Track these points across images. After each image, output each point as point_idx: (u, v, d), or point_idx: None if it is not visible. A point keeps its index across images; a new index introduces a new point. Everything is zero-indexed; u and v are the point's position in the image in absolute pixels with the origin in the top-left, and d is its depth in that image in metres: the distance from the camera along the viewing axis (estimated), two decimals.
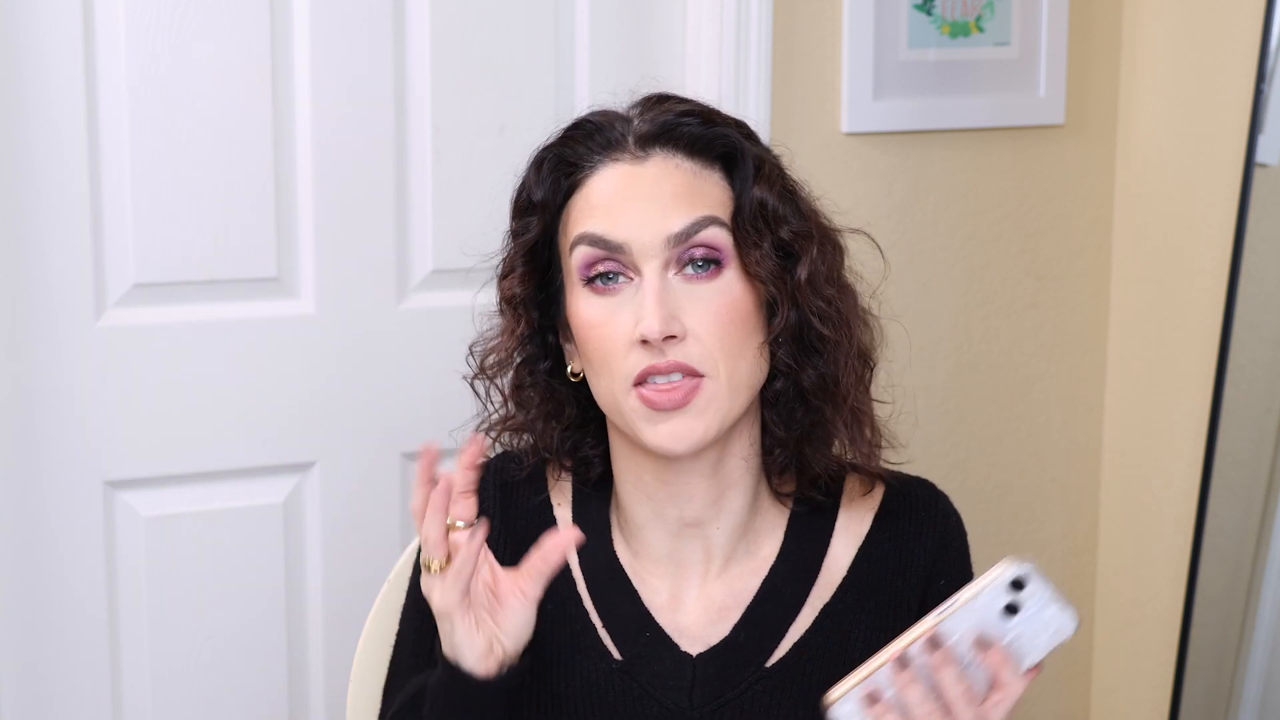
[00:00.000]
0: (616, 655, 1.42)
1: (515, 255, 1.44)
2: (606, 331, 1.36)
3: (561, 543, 1.31)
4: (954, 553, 1.47)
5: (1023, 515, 2.41)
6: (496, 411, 1.49)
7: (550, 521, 1.47)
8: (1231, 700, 2.24)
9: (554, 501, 1.48)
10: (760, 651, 1.42)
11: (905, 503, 1.47)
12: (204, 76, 1.92)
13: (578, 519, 1.47)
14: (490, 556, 1.35)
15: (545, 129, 2.08)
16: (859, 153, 2.20)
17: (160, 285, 1.94)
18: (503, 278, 1.45)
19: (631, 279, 1.36)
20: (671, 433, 1.35)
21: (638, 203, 1.36)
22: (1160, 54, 2.31)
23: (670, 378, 1.34)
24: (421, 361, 2.05)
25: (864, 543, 1.45)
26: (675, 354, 1.34)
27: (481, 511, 1.46)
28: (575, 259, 1.38)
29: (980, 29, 2.25)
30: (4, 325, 1.87)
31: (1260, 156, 2.15)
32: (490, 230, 2.08)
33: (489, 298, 1.49)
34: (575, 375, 1.44)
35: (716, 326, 1.35)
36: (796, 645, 1.42)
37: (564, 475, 1.49)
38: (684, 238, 1.35)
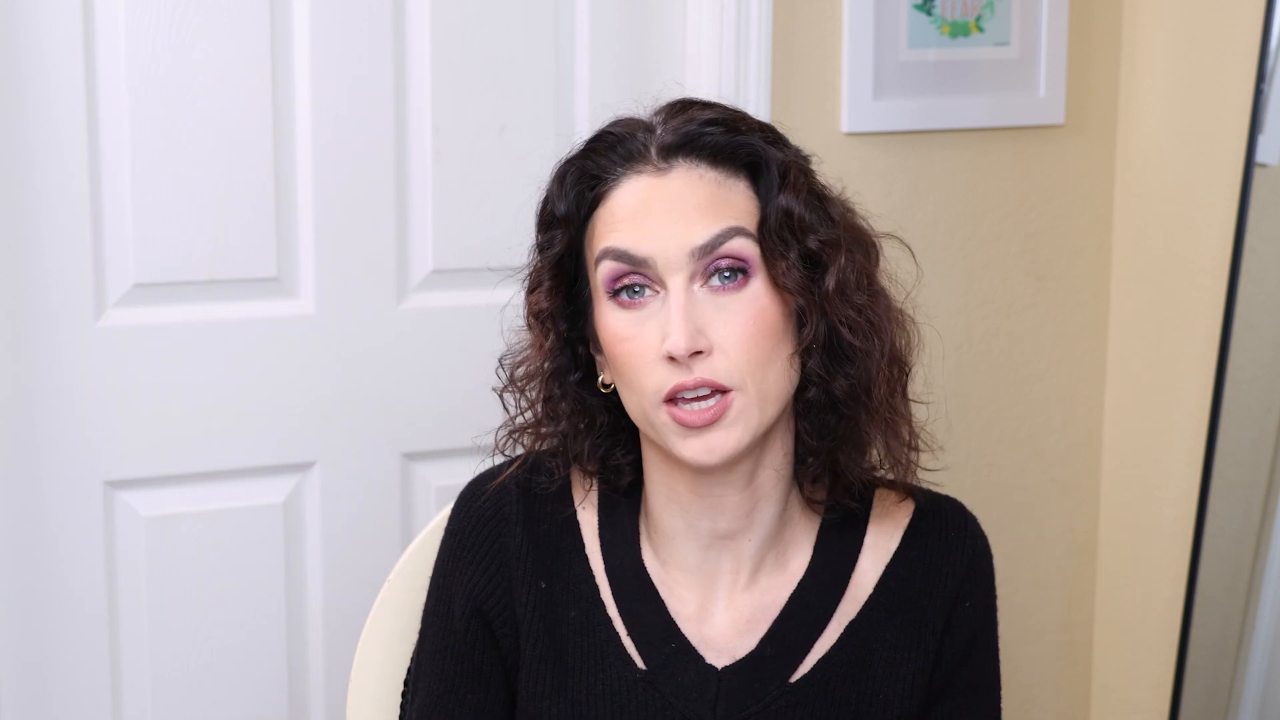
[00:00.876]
0: (641, 664, 1.41)
1: (542, 269, 1.42)
2: (634, 346, 1.35)
3: None
4: (980, 575, 1.47)
5: (1023, 515, 2.41)
6: (522, 414, 1.48)
7: (575, 529, 1.46)
8: (1231, 700, 2.24)
9: (579, 506, 1.47)
10: (786, 666, 1.41)
11: (935, 521, 1.46)
12: (204, 76, 1.92)
13: (604, 527, 1.46)
14: None
15: (545, 129, 2.09)
16: (859, 153, 2.20)
17: (160, 285, 1.93)
18: (530, 292, 1.43)
19: (658, 292, 1.35)
20: (705, 446, 1.34)
21: (661, 215, 1.34)
22: (1160, 54, 2.31)
23: (698, 393, 1.33)
24: (421, 361, 2.05)
25: (892, 560, 1.45)
26: (702, 370, 1.32)
27: (503, 519, 1.46)
28: (601, 273, 1.36)
29: (980, 29, 2.25)
30: (4, 325, 1.87)
31: (1260, 156, 2.15)
32: (489, 230, 2.09)
33: (515, 310, 1.49)
34: (606, 386, 1.42)
35: (744, 338, 1.33)
36: (821, 661, 1.41)
37: (592, 483, 1.48)
38: (708, 250, 1.33)
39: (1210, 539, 2.22)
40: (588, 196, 1.39)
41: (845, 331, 1.37)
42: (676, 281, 1.33)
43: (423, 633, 1.49)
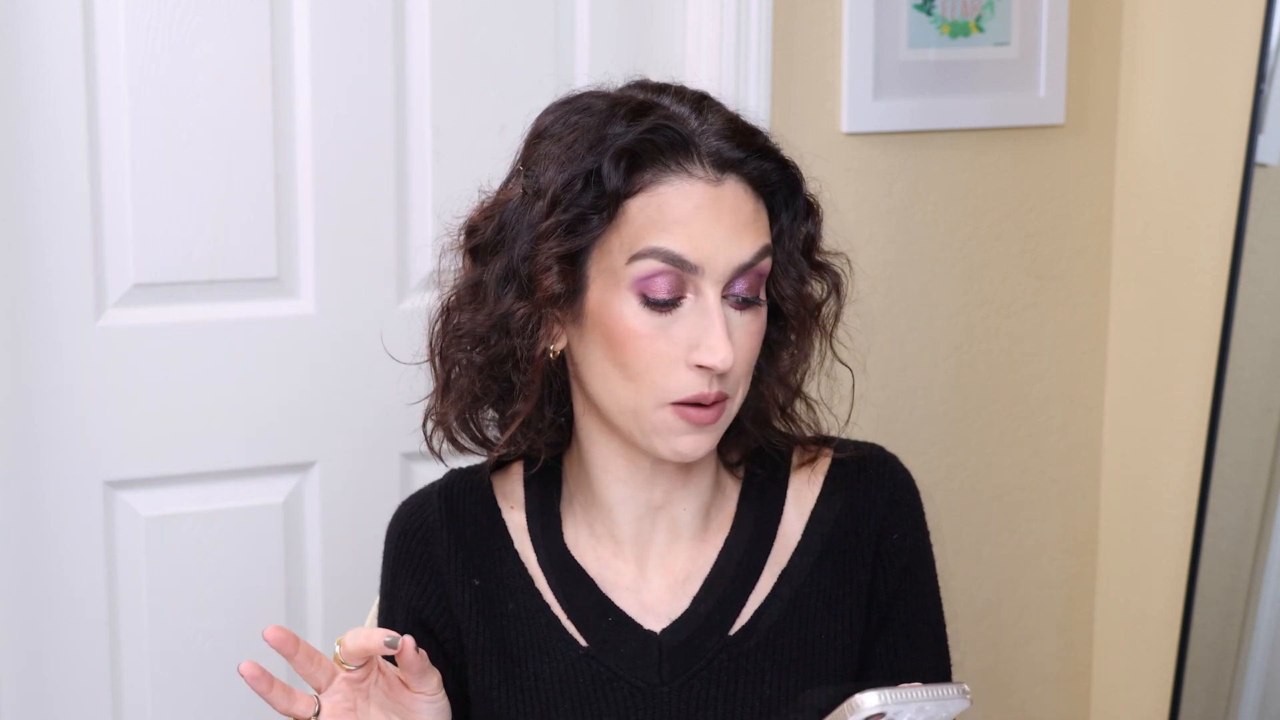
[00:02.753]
0: (582, 643, 1.44)
1: (561, 249, 1.36)
2: (655, 346, 1.35)
3: (410, 652, 1.27)
4: (905, 507, 1.50)
5: (1023, 515, 2.41)
6: (461, 368, 1.48)
7: (502, 528, 1.49)
8: (1231, 700, 2.24)
9: (504, 506, 1.50)
10: (723, 621, 1.44)
11: (854, 465, 1.50)
12: (204, 76, 1.92)
13: (531, 521, 1.49)
14: (383, 665, 1.31)
15: None
16: (859, 153, 2.20)
17: (160, 285, 1.94)
18: (542, 272, 1.37)
19: (687, 297, 1.36)
20: (694, 444, 1.37)
21: (715, 226, 1.35)
22: (1160, 54, 2.31)
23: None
24: (422, 361, 2.05)
25: (815, 506, 1.48)
26: (718, 384, 1.36)
27: (428, 527, 1.49)
28: (638, 268, 1.35)
29: (980, 29, 2.25)
30: (4, 325, 1.87)
31: (1260, 156, 2.15)
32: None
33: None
34: (554, 355, 1.42)
35: (750, 353, 1.39)
36: (758, 612, 1.44)
37: (511, 476, 1.50)
38: (747, 268, 1.36)
39: (1210, 539, 2.22)
40: (628, 181, 1.35)
41: (830, 345, 1.47)
42: (714, 293, 1.35)
43: None
